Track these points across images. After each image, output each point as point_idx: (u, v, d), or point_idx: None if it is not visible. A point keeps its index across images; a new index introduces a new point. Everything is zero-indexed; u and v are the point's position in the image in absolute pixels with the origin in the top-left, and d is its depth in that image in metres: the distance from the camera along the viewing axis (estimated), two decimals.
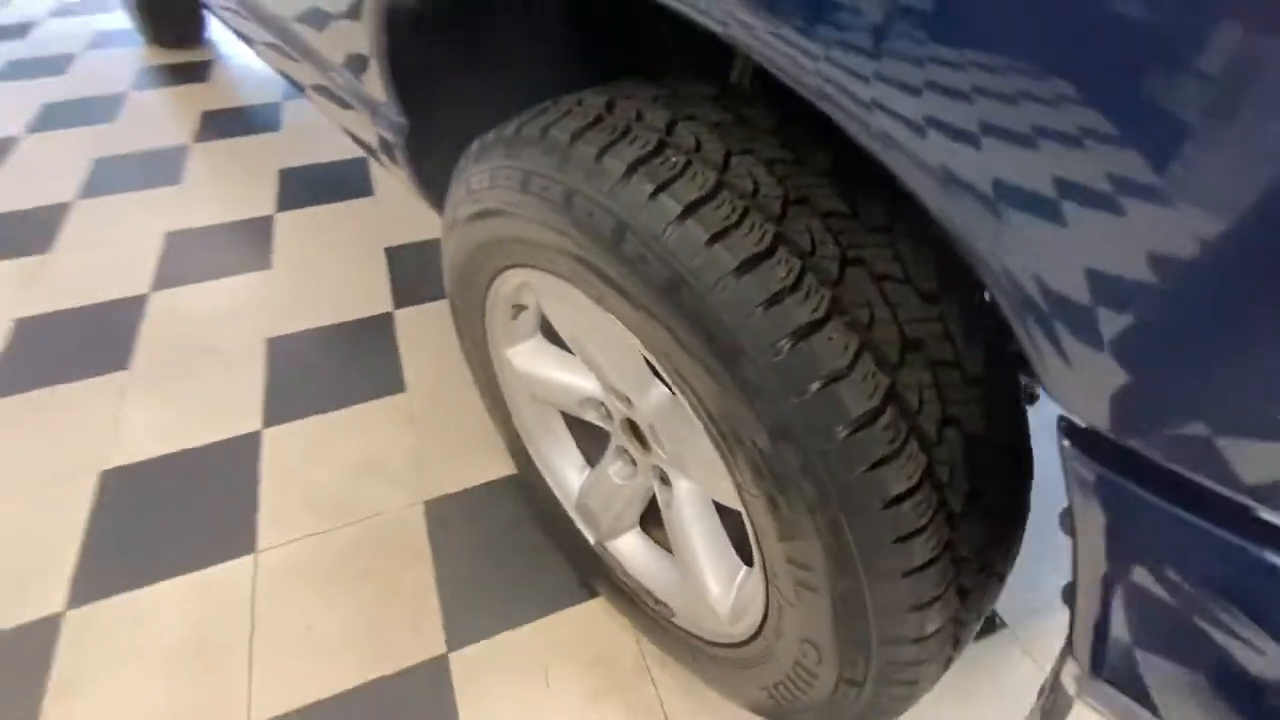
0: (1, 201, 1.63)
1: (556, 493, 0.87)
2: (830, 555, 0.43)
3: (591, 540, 0.83)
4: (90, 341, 1.27)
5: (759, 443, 0.43)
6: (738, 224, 0.40)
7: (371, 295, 1.37)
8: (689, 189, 0.41)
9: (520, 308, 0.73)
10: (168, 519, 0.99)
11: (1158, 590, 0.31)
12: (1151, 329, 0.27)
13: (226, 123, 1.97)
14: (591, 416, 0.74)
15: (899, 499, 0.39)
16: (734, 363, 0.41)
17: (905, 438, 0.39)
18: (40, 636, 0.86)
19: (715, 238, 0.40)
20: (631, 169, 0.43)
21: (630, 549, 0.81)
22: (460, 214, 0.63)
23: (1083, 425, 0.32)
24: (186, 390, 1.18)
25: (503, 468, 1.05)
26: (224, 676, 0.83)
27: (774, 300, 0.38)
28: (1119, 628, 0.33)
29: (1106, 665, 0.35)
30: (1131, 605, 0.33)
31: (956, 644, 0.47)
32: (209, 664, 0.84)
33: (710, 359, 0.42)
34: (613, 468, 0.76)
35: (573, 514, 0.86)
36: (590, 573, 0.89)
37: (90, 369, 1.22)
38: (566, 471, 0.86)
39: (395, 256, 1.47)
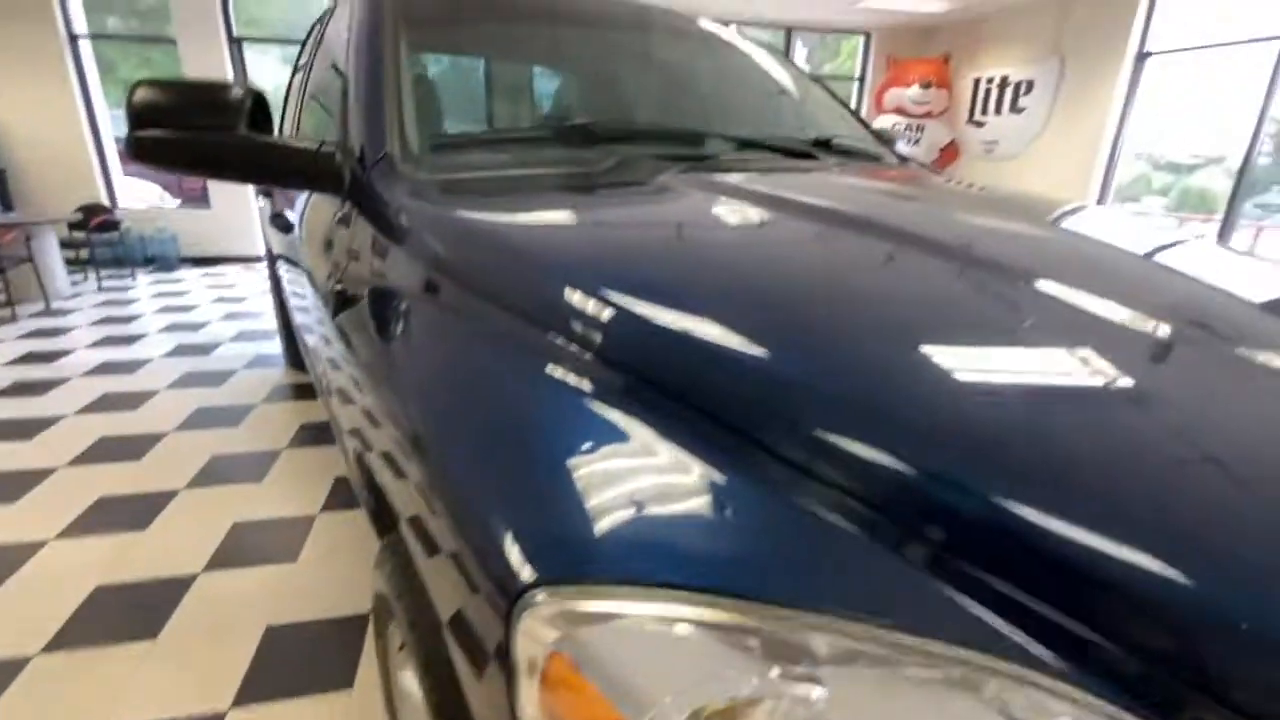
0: (135, 486, 2.18)
1: None
2: None
3: None
4: (139, 611, 1.62)
5: None
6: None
7: (359, 600, 1.68)
8: None
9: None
10: None
11: None
12: None
13: (314, 434, 2.57)
14: None
15: None
16: None
17: None
18: None
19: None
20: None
21: None
22: (373, 571, 0.96)
23: None
24: (191, 664, 1.46)
25: None
26: None
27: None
28: None
29: None
30: None
31: None
32: None
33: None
34: None
35: None
36: None
37: (128, 635, 1.54)
38: None
39: None
